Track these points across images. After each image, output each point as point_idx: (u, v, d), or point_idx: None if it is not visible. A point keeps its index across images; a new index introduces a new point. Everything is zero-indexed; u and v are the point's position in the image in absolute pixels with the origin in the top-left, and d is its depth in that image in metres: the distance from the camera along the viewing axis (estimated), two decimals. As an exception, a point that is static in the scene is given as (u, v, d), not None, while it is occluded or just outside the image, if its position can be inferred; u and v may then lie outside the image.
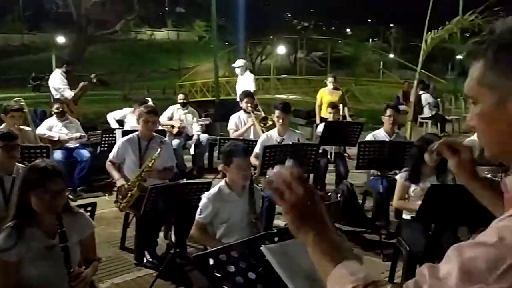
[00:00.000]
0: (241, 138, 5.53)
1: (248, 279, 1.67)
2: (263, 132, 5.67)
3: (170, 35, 38.78)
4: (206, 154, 7.50)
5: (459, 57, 23.07)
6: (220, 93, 16.61)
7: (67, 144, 6.01)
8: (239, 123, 6.06)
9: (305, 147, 4.32)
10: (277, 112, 4.79)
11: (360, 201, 5.13)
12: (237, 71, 8.36)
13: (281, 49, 31.10)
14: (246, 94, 6.15)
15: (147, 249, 4.09)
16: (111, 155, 4.44)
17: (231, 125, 6.09)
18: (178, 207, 3.72)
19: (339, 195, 5.04)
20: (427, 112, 10.80)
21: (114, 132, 6.12)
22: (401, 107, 12.81)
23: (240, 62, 8.45)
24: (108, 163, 4.43)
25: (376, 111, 14.33)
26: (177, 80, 26.12)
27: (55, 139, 5.87)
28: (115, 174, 4.35)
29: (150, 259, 4.05)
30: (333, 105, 6.28)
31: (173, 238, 3.95)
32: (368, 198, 5.18)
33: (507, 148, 0.89)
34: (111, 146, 6.07)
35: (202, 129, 7.56)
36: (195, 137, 7.15)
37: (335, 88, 8.00)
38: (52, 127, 6.03)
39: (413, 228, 3.44)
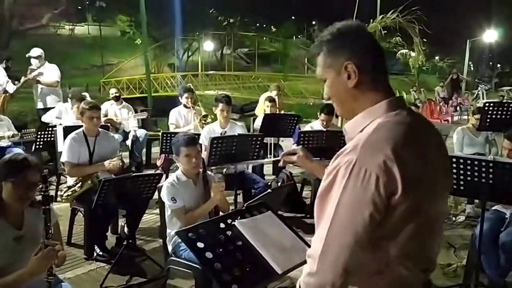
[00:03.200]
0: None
1: (227, 249, 1.87)
2: (202, 128, 5.83)
3: (91, 30, 37.23)
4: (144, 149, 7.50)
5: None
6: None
7: (-2, 143, 5.77)
8: (179, 117, 6.16)
9: (250, 138, 4.55)
10: (221, 105, 4.93)
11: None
12: (34, 62, 7.23)
13: (208, 45, 31.09)
14: (186, 89, 6.26)
15: (97, 243, 4.11)
16: (66, 159, 4.23)
17: (171, 120, 6.17)
18: (130, 199, 3.80)
19: (279, 183, 5.33)
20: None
21: (49, 129, 5.96)
22: (327, 101, 13.49)
23: (37, 51, 7.26)
24: (70, 170, 4.25)
25: (304, 106, 14.97)
26: (100, 77, 25.22)
27: (-15, 137, 5.62)
28: (92, 168, 4.25)
29: (101, 253, 4.09)
30: (271, 99, 6.56)
31: (125, 230, 4.00)
32: (305, 186, 5.55)
33: (349, 107, 1.38)
34: (47, 144, 5.95)
35: (139, 124, 7.54)
36: (132, 133, 7.12)
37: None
38: (-18, 126, 5.76)
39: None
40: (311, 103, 15.70)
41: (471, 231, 4.24)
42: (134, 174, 3.92)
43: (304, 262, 1.97)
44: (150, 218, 5.08)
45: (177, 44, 28.45)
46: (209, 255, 1.79)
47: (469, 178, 3.26)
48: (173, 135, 5.47)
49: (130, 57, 27.94)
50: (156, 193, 3.61)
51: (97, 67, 30.50)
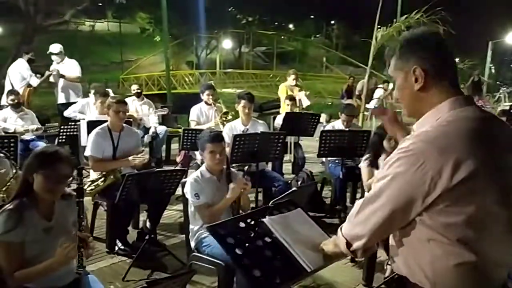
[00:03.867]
0: (204, 128, 5.63)
1: (256, 246, 1.86)
2: (223, 124, 5.85)
3: (110, 27, 37.62)
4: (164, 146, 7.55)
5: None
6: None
7: (23, 136, 5.86)
8: (200, 114, 6.16)
9: (272, 136, 4.54)
10: (243, 102, 4.93)
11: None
12: (55, 58, 7.45)
13: (226, 44, 31.15)
14: (208, 86, 6.27)
15: (118, 237, 4.15)
16: (90, 153, 4.24)
17: (192, 117, 6.18)
18: (153, 195, 3.83)
19: (299, 182, 5.32)
20: (372, 105, 11.28)
21: (72, 124, 6.04)
22: (346, 101, 13.40)
23: (57, 47, 7.46)
24: (94, 164, 4.26)
25: (323, 105, 14.90)
26: (119, 73, 25.51)
27: (10, 131, 5.72)
28: (117, 163, 4.29)
29: (122, 247, 4.12)
30: (291, 97, 6.54)
31: (148, 225, 4.03)
32: (325, 186, 5.52)
33: (415, 108, 1.50)
34: (69, 138, 6.03)
35: (159, 120, 7.58)
36: (152, 129, 7.16)
37: (296, 84, 8.24)
38: (7, 119, 5.87)
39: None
40: (329, 103, 15.62)
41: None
42: (157, 170, 3.95)
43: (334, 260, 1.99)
44: (170, 214, 5.12)
45: (196, 42, 28.63)
46: (239, 251, 1.79)
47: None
48: (194, 132, 5.50)
49: (149, 54, 28.20)
50: (179, 189, 3.63)
51: (116, 64, 30.84)
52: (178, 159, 7.01)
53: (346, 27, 36.45)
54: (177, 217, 5.14)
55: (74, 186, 2.40)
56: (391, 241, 1.52)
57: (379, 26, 7.79)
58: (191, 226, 3.29)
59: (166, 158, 7.60)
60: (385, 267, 3.76)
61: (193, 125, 6.18)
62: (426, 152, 1.31)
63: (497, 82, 27.08)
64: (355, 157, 4.95)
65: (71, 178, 2.28)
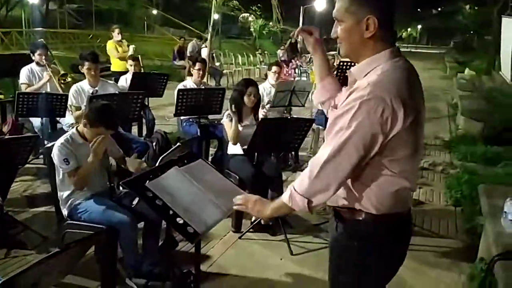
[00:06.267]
0: (43, 92, 5.09)
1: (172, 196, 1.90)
2: (61, 87, 5.41)
3: None
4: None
5: (216, 17, 24.80)
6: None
7: None
8: (32, 76, 5.54)
9: (131, 96, 4.37)
10: (87, 63, 4.65)
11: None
12: None
13: (32, -1, 27.60)
14: (39, 45, 5.63)
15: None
16: None
17: (23, 79, 5.51)
18: (3, 166, 3.42)
19: (154, 143, 5.28)
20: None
21: None
22: (178, 63, 13.42)
23: None
24: None
25: (153, 67, 14.58)
26: None
27: None
28: None
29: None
30: (133, 58, 6.32)
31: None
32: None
33: (357, 52, 1.59)
34: None
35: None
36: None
37: (122, 40, 8.07)
38: None
39: (238, 160, 4.02)
40: (159, 64, 15.35)
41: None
42: (6, 138, 3.51)
43: None
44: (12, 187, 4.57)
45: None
46: (159, 202, 1.81)
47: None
48: (30, 96, 4.94)
49: None
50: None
51: None
52: (5, 128, 6.21)
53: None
54: (21, 190, 4.66)
55: None
56: None
57: None
58: (60, 193, 3.07)
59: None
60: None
61: (23, 89, 5.54)
62: (384, 99, 1.45)
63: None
64: (209, 115, 5.12)
65: None
